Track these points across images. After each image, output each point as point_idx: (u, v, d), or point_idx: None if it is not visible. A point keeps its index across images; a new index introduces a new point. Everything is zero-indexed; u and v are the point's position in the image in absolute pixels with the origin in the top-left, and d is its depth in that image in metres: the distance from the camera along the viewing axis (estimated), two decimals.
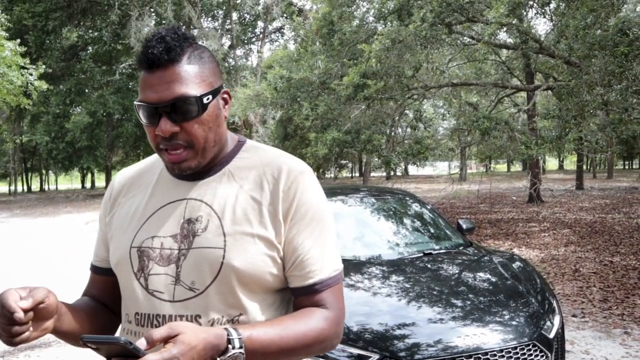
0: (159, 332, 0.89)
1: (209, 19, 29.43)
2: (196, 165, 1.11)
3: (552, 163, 55.58)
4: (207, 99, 1.08)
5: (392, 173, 35.87)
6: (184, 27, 26.22)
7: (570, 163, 45.24)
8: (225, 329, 0.97)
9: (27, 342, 0.99)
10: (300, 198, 1.13)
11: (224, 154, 1.18)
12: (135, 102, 1.10)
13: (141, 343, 0.87)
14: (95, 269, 1.28)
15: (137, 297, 1.11)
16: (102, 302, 1.25)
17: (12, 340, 0.96)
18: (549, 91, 13.11)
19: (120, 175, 1.29)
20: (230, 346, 0.94)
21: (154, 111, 1.05)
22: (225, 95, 1.16)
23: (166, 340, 0.89)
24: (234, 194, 1.13)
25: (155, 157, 1.28)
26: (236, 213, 1.11)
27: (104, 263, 1.25)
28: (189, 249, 1.09)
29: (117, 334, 1.17)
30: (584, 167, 28.21)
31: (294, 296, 1.15)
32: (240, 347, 0.95)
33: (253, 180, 1.15)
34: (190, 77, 1.06)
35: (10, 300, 0.93)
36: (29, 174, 43.98)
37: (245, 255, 1.07)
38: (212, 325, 1.05)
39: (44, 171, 45.00)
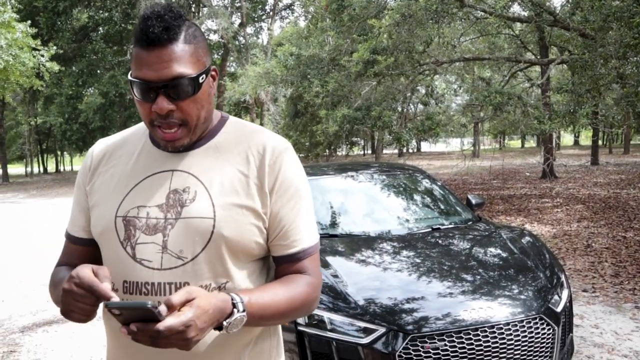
0: (177, 297, 0.93)
1: None
2: (188, 142, 1.15)
3: (567, 139, 54.89)
4: (202, 78, 1.11)
5: (404, 150, 35.68)
6: (193, 4, 26.09)
7: (586, 138, 44.63)
8: (229, 294, 1.03)
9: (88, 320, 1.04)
10: (284, 173, 1.19)
11: (209, 129, 1.22)
12: (129, 78, 1.10)
13: (162, 309, 0.91)
14: (73, 239, 1.28)
15: (124, 266, 1.13)
16: None
17: (82, 318, 1.02)
18: (564, 65, 12.88)
19: (100, 144, 1.30)
20: (235, 310, 1.01)
21: (151, 89, 1.07)
22: (214, 73, 1.19)
23: (183, 304, 0.94)
24: (221, 167, 1.17)
25: (136, 127, 1.30)
26: (224, 185, 1.15)
27: (83, 233, 1.26)
28: (177, 219, 1.12)
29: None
30: (600, 142, 27.83)
31: (277, 264, 1.21)
32: (243, 311, 1.02)
33: (238, 154, 1.19)
34: (187, 56, 1.08)
35: (102, 286, 0.97)
36: (45, 156, 44.48)
37: (234, 225, 1.12)
38: None
39: (59, 152, 45.50)
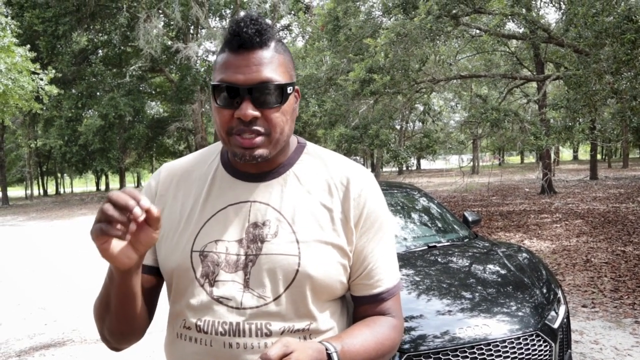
0: (275, 352, 0.87)
1: (217, 18, 29.51)
2: (267, 154, 1.05)
3: (566, 154, 54.98)
4: (290, 89, 1.05)
5: (404, 167, 35.75)
6: (192, 27, 26.37)
7: (585, 153, 44.76)
8: (322, 343, 0.97)
9: (119, 257, 0.91)
10: (370, 206, 1.11)
11: (286, 156, 1.14)
12: (212, 83, 1.04)
13: None
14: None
15: (200, 304, 1.06)
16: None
17: (111, 234, 0.87)
18: (561, 80, 12.98)
19: (167, 168, 1.21)
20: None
21: (236, 93, 1.01)
22: (296, 93, 1.12)
23: (281, 358, 0.87)
24: (303, 200, 1.09)
25: (203, 152, 1.22)
26: (307, 219, 1.07)
27: (150, 261, 1.15)
28: (258, 255, 1.05)
29: (164, 339, 1.16)
30: (599, 156, 27.88)
31: (358, 304, 1.14)
32: None
33: (321, 186, 1.11)
34: (277, 64, 1.03)
35: (133, 190, 0.87)
36: (45, 178, 44.52)
37: (320, 263, 1.05)
38: (282, 334, 1.04)
39: (59, 174, 45.55)
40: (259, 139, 1.02)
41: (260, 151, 1.03)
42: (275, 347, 0.87)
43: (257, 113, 1.00)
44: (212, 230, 1.08)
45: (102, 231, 0.86)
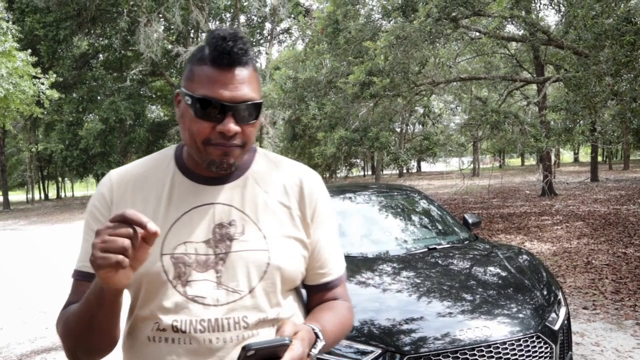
0: (289, 330, 0.96)
1: (217, 22, 29.57)
2: (239, 163, 1.14)
3: (567, 156, 55.00)
4: (262, 105, 1.13)
5: (404, 170, 35.72)
6: (192, 30, 26.41)
7: (585, 155, 44.73)
8: (306, 324, 1.05)
9: (121, 280, 0.90)
10: (320, 204, 1.23)
11: (243, 159, 1.20)
12: (194, 95, 1.06)
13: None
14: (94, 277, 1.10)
15: (175, 305, 1.09)
16: None
17: (118, 263, 0.87)
18: (561, 82, 12.99)
19: (117, 174, 1.20)
20: (318, 339, 1.04)
21: (220, 109, 1.05)
22: None
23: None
24: (262, 199, 1.18)
25: (154, 157, 1.25)
26: (270, 217, 1.16)
27: None
28: (228, 253, 1.11)
29: (119, 343, 1.14)
30: (600, 158, 27.86)
31: (313, 291, 1.25)
32: (322, 339, 1.05)
33: (277, 187, 1.21)
34: (255, 82, 1.10)
35: (138, 213, 0.88)
36: (46, 182, 44.55)
37: (287, 256, 1.15)
38: (257, 325, 1.10)
39: (60, 178, 45.57)
40: (236, 152, 1.10)
41: (233, 160, 1.11)
42: (288, 327, 0.97)
43: (238, 128, 1.07)
44: (179, 233, 1.12)
45: (118, 263, 0.87)
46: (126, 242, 0.87)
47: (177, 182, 1.17)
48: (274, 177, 1.22)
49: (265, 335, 1.10)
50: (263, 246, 1.12)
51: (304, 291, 1.29)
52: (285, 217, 1.17)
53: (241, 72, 1.07)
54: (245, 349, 0.90)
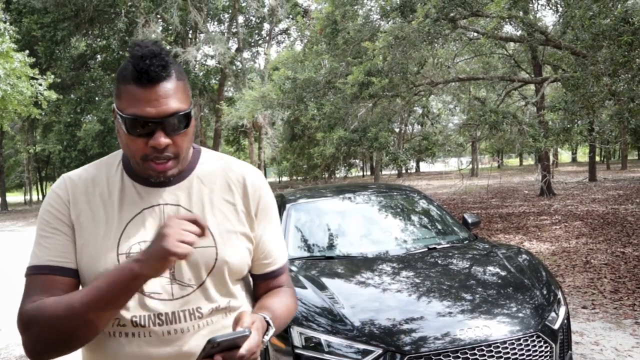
0: (248, 321, 1.06)
1: (215, 22, 29.56)
2: (177, 172, 1.20)
3: (565, 156, 55.04)
4: (192, 112, 1.18)
5: (403, 170, 35.71)
6: (190, 31, 26.39)
7: (583, 155, 44.78)
8: (258, 314, 1.16)
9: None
10: (263, 198, 1.33)
11: (187, 162, 1.27)
12: (121, 114, 1.11)
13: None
14: (64, 271, 1.16)
15: (133, 301, 1.15)
16: None
17: (188, 254, 1.01)
18: (559, 83, 13.00)
19: (70, 179, 1.24)
20: (269, 326, 1.15)
21: (148, 125, 1.10)
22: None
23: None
24: (208, 197, 1.26)
25: (102, 163, 1.28)
26: (216, 214, 1.25)
27: (74, 264, 1.18)
28: None
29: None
30: (598, 158, 27.89)
31: (259, 280, 1.36)
32: (273, 326, 1.16)
33: (221, 185, 1.29)
34: (180, 92, 1.14)
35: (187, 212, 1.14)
36: (44, 183, 44.47)
37: (234, 250, 1.24)
38: (210, 314, 1.21)
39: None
40: (170, 163, 1.16)
41: (171, 172, 1.18)
42: (246, 319, 1.06)
43: (168, 140, 1.13)
44: (133, 233, 1.19)
45: (188, 254, 1.01)
46: (195, 238, 1.02)
47: (126, 185, 1.23)
48: (218, 176, 1.29)
49: (222, 325, 1.22)
50: (210, 243, 1.20)
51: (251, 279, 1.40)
52: (230, 213, 1.26)
53: (164, 86, 1.10)
54: (210, 342, 0.97)
